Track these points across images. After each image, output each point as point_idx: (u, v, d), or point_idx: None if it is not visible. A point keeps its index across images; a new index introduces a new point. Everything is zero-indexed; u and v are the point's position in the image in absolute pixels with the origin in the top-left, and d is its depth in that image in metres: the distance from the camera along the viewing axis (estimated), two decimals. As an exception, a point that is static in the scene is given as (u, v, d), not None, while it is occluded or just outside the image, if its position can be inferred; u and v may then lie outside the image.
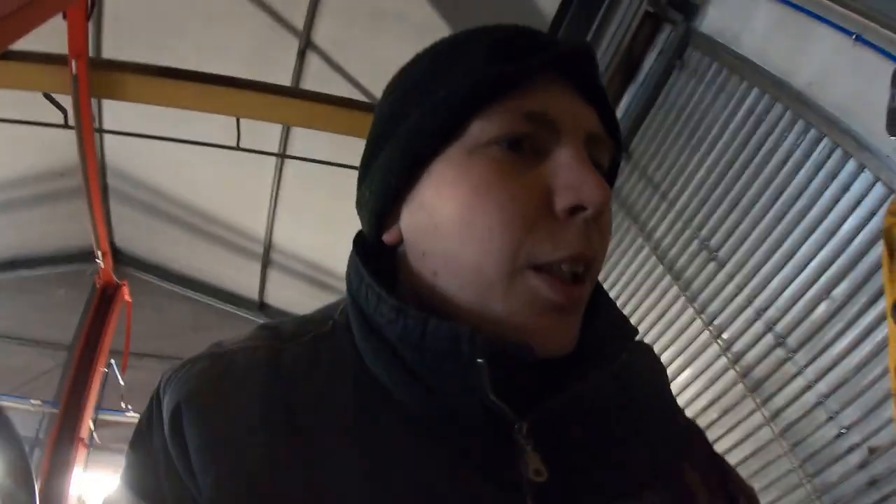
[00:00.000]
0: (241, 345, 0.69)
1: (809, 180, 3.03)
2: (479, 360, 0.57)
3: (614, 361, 0.65)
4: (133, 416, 5.61)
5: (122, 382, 4.90)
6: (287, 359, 0.67)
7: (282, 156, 5.62)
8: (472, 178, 0.60)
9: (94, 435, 4.57)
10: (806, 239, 3.01)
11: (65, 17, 3.12)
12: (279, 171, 6.06)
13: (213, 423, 0.62)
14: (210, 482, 0.59)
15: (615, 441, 0.67)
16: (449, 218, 0.61)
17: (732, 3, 3.68)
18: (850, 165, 2.84)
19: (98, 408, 4.69)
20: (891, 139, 2.57)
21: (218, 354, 0.68)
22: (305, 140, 5.42)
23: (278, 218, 6.56)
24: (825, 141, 2.97)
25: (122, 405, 5.44)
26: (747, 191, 3.37)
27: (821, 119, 2.98)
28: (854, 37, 2.82)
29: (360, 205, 0.72)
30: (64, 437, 4.05)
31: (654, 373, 0.79)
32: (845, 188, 2.85)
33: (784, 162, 3.18)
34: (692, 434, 0.78)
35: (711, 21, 3.76)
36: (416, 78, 0.68)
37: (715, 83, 3.67)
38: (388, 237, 0.68)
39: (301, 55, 5.13)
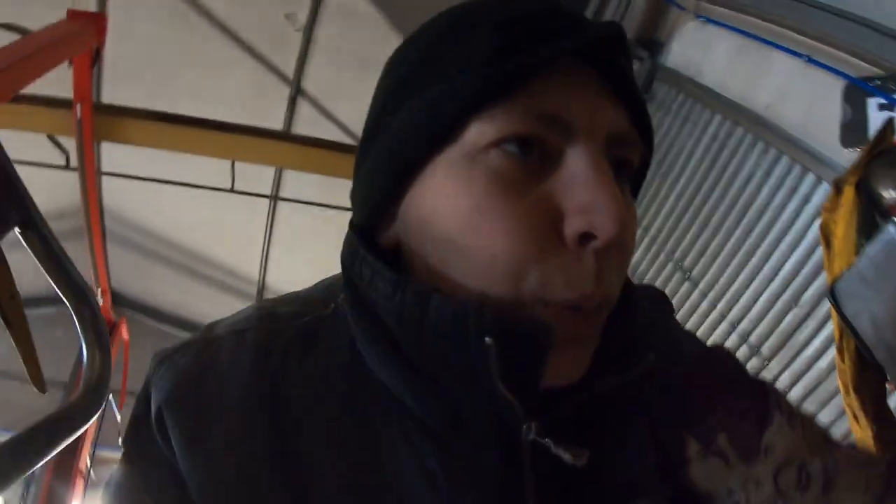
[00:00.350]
0: (231, 327, 0.65)
1: (772, 196, 3.21)
2: (487, 340, 0.50)
3: (641, 361, 0.59)
4: None
5: (119, 419, 4.92)
6: (278, 346, 0.62)
7: (274, 198, 5.77)
8: (472, 194, 0.52)
9: (92, 472, 4.57)
10: (772, 252, 3.17)
11: (71, 63, 3.25)
12: (272, 212, 6.18)
13: (195, 428, 0.59)
14: (195, 486, 0.58)
15: (627, 437, 0.62)
16: (449, 237, 0.53)
17: (693, 37, 3.93)
18: (809, 179, 3.02)
19: (95, 444, 4.70)
20: (845, 151, 2.77)
21: (207, 341, 0.64)
22: (297, 183, 5.57)
23: (272, 259, 6.61)
24: (784, 159, 3.17)
25: (120, 442, 5.43)
26: (715, 212, 3.56)
27: (779, 139, 3.18)
28: (806, 59, 3.04)
29: (353, 199, 0.64)
30: (61, 471, 4.06)
31: (659, 326, 0.71)
32: (806, 200, 3.03)
33: (747, 181, 3.37)
34: (703, 371, 0.68)
35: (675, 56, 4.01)
36: (412, 64, 0.58)
37: (680, 113, 3.90)
38: (383, 240, 0.60)
39: (292, 101, 5.35)
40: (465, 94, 0.52)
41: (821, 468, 0.56)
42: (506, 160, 0.51)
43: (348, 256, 0.61)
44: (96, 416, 0.70)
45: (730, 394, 0.65)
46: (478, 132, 0.52)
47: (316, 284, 0.74)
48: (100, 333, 1.04)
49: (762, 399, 0.64)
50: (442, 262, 0.54)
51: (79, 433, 0.95)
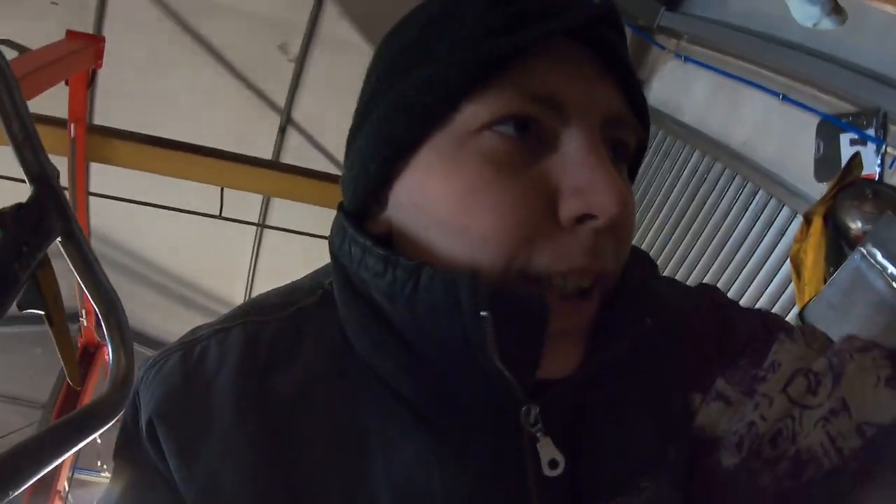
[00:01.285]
0: (216, 326, 0.63)
1: (749, 229, 3.29)
2: (483, 314, 0.48)
3: (638, 327, 0.56)
4: (108, 477, 5.54)
5: (98, 442, 4.87)
6: (265, 339, 0.61)
7: (261, 225, 5.78)
8: (465, 176, 0.51)
9: (70, 496, 4.51)
10: (750, 283, 3.22)
11: (67, 83, 3.28)
12: (258, 240, 6.20)
13: (188, 439, 0.57)
14: (192, 499, 0.56)
15: (627, 411, 0.60)
16: (441, 220, 0.52)
17: (673, 76, 4.04)
18: (785, 212, 3.09)
19: (74, 467, 4.63)
20: (819, 185, 2.84)
21: (191, 343, 0.61)
22: (284, 211, 5.59)
23: (256, 287, 6.55)
24: (760, 193, 3.24)
25: (99, 464, 5.40)
26: (694, 244, 3.63)
27: (756, 173, 3.26)
28: (781, 96, 3.13)
29: (343, 186, 0.62)
30: (39, 493, 4.01)
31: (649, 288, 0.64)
32: (781, 233, 3.10)
33: (725, 215, 3.45)
34: (692, 321, 0.66)
35: (656, 94, 4.10)
36: (404, 45, 0.56)
37: (661, 149, 3.99)
38: (374, 227, 0.58)
39: (282, 130, 5.44)
40: (457, 75, 0.50)
41: (826, 364, 0.56)
42: (499, 142, 0.50)
43: (336, 238, 0.59)
44: (123, 410, 0.73)
45: (721, 335, 0.64)
46: (471, 113, 0.51)
47: (305, 275, 0.71)
48: (125, 337, 1.12)
49: (760, 327, 0.64)
50: (434, 246, 0.53)
51: (107, 426, 1.01)
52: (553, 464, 0.54)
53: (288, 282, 0.71)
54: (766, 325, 0.64)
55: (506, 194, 0.50)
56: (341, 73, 5.10)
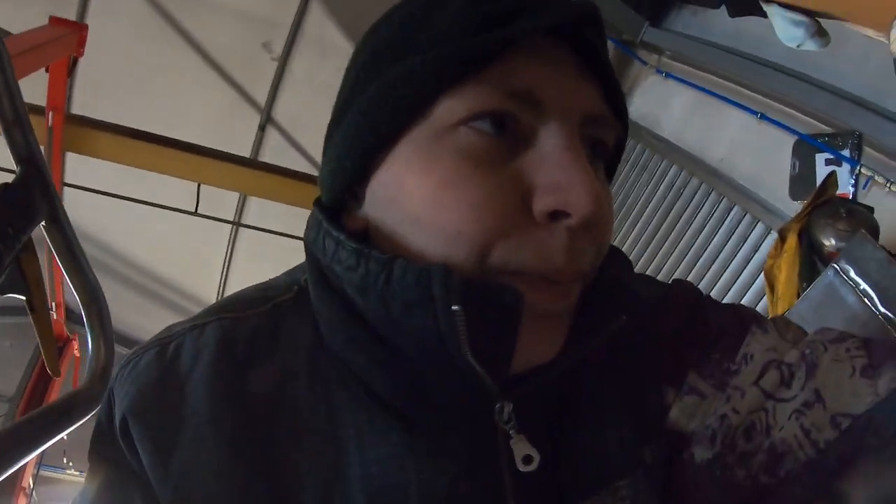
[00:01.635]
0: (192, 322, 0.62)
1: (723, 244, 3.34)
2: (455, 308, 0.47)
3: (613, 323, 0.56)
4: (74, 474, 5.47)
5: (65, 438, 4.78)
6: (242, 336, 0.60)
7: (237, 224, 5.73)
8: (440, 171, 0.50)
9: (34, 493, 4.42)
10: (723, 297, 3.23)
11: (47, 70, 3.22)
12: (233, 239, 6.15)
13: (162, 438, 0.56)
14: (166, 499, 0.55)
15: (604, 409, 0.60)
16: (416, 215, 0.51)
17: (653, 90, 4.10)
18: (759, 229, 3.15)
19: (40, 463, 4.54)
20: (794, 203, 2.90)
21: (166, 340, 0.60)
22: (260, 211, 5.58)
23: (230, 286, 6.50)
24: (736, 209, 3.30)
25: (64, 461, 5.31)
26: (668, 258, 3.67)
27: (732, 190, 3.31)
28: (759, 115, 3.19)
29: (321, 182, 0.61)
30: (4, 489, 3.92)
31: (622, 284, 0.63)
32: (755, 249, 3.15)
33: (700, 229, 3.50)
34: (665, 317, 0.65)
35: (636, 108, 4.15)
36: (385, 39, 0.56)
37: (639, 163, 4.04)
38: (350, 223, 0.58)
39: (262, 129, 5.42)
40: (437, 68, 0.50)
41: (799, 356, 0.56)
42: (476, 138, 0.50)
43: (311, 232, 0.58)
44: (101, 403, 0.73)
45: (694, 329, 0.63)
46: (448, 109, 0.50)
47: (281, 273, 0.70)
48: (105, 328, 1.10)
49: (732, 321, 0.62)
50: (409, 241, 0.52)
51: (86, 419, 0.99)
52: (527, 459, 0.53)
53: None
54: (738, 318, 0.63)
55: (481, 189, 0.49)
56: (323, 75, 5.12)
